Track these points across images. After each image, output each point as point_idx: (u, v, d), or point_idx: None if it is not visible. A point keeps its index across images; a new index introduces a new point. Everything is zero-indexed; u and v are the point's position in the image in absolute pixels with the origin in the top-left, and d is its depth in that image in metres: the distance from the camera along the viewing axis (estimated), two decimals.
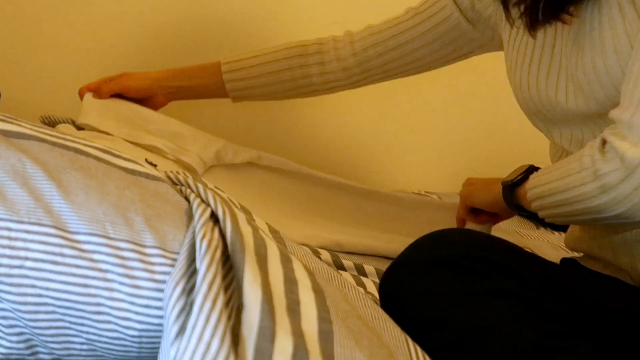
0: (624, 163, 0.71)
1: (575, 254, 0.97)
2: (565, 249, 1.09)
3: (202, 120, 1.38)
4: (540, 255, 0.89)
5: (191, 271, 0.56)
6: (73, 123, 1.19)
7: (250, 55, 1.16)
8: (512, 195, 0.91)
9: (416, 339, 0.63)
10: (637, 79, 0.72)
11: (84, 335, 0.59)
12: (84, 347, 0.60)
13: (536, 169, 0.90)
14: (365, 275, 0.96)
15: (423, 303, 0.67)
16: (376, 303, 0.67)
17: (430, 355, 0.61)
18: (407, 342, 0.61)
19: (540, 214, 0.86)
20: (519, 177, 0.90)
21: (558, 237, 1.33)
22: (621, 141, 0.72)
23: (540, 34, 0.88)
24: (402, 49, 1.08)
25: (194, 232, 0.61)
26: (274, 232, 0.71)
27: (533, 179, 0.86)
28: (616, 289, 0.83)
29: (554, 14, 0.82)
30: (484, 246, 0.73)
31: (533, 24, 0.83)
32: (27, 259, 0.57)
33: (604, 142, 0.75)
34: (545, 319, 0.68)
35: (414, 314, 0.66)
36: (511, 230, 1.35)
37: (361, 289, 0.69)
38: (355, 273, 0.95)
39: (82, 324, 0.58)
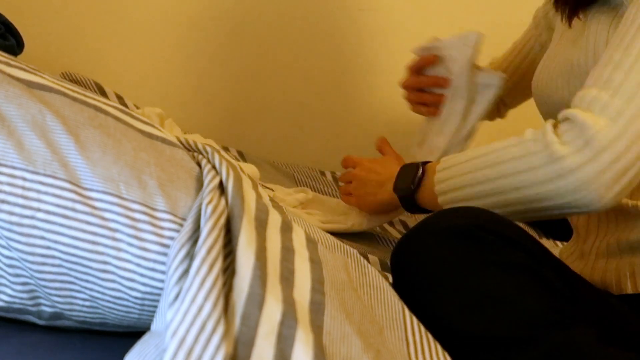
0: (590, 143, 0.68)
1: None
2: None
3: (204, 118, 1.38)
4: None
5: (197, 236, 0.56)
6: (96, 84, 1.19)
7: None
8: (413, 199, 0.89)
9: (429, 302, 0.66)
10: (619, 66, 0.71)
11: (88, 291, 0.59)
12: (86, 303, 0.60)
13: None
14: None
15: (438, 269, 0.67)
16: (379, 275, 0.68)
17: (442, 317, 0.64)
18: (403, 313, 0.61)
19: (448, 207, 0.82)
20: (418, 177, 0.88)
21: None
22: (594, 119, 0.69)
23: (555, 36, 0.97)
24: (518, 77, 1.20)
25: (202, 197, 0.61)
26: (277, 205, 0.71)
27: (444, 169, 0.84)
28: (605, 293, 0.83)
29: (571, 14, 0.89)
30: (497, 222, 0.72)
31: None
32: (39, 210, 0.57)
33: (555, 125, 0.73)
34: (552, 296, 0.69)
35: (429, 278, 0.66)
36: None
37: (363, 259, 0.69)
38: None
39: (87, 281, 0.59)
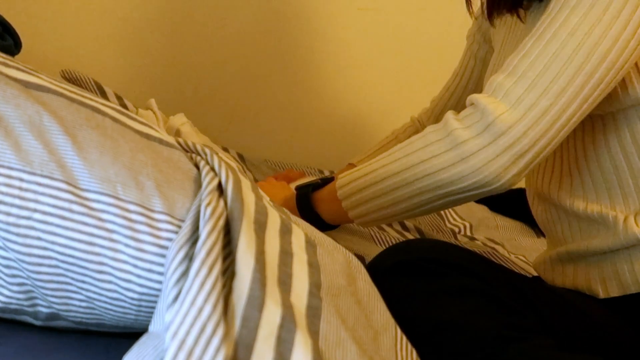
0: (490, 128, 0.71)
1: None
2: None
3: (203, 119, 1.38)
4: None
5: (195, 237, 0.56)
6: (96, 84, 1.19)
7: (376, 146, 1.29)
8: (309, 201, 0.90)
9: None
10: (528, 54, 0.74)
11: (84, 292, 0.59)
12: (83, 304, 0.60)
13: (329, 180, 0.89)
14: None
15: (390, 306, 0.68)
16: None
17: None
18: (395, 326, 0.62)
19: (355, 212, 0.84)
20: (317, 181, 0.89)
21: None
22: (495, 105, 0.72)
23: (496, 43, 0.98)
24: (459, 105, 1.21)
25: (200, 199, 0.61)
26: (277, 206, 0.71)
27: (345, 175, 0.85)
28: (574, 296, 0.84)
29: (510, 10, 0.90)
30: (443, 251, 0.75)
31: (489, 14, 0.93)
32: (35, 210, 0.57)
33: (456, 113, 0.76)
34: (504, 313, 0.71)
35: None
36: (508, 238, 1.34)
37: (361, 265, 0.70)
38: None
39: (84, 281, 0.59)
